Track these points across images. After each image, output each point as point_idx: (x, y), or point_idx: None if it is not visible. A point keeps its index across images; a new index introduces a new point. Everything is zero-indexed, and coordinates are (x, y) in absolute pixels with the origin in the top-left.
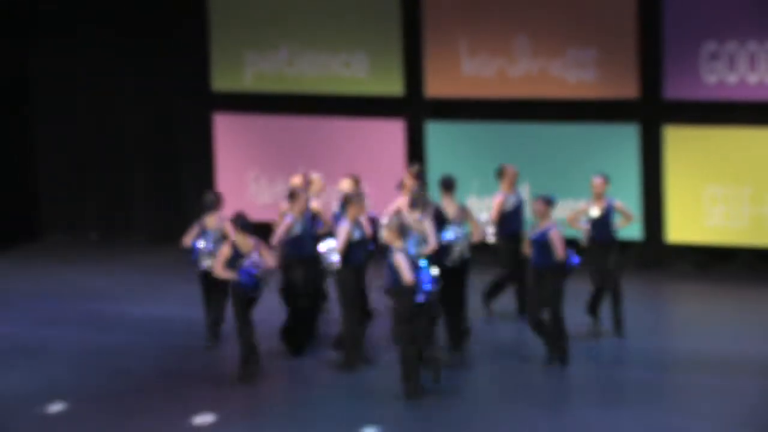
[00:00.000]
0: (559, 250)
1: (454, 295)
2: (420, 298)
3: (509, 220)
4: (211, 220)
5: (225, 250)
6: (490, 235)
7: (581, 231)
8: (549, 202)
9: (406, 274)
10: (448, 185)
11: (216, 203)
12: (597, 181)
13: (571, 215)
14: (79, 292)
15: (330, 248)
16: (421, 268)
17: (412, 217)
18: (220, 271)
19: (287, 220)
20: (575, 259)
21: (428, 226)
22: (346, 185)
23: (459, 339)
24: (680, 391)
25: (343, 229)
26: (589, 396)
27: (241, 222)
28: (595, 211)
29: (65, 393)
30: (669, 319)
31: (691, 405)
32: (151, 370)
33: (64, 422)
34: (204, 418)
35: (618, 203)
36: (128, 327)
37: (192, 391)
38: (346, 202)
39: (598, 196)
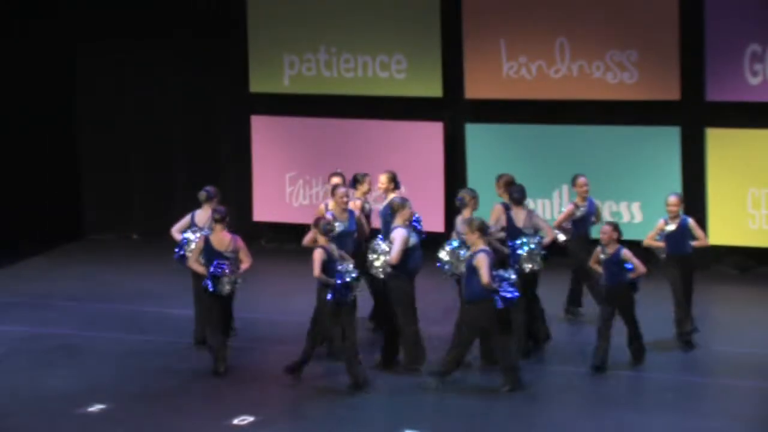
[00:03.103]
0: (638, 266)
1: None
2: (499, 303)
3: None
4: (202, 216)
5: (319, 253)
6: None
7: (658, 249)
8: (616, 228)
9: (485, 276)
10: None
11: (210, 198)
12: (673, 199)
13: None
14: (121, 292)
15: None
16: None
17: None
18: (319, 274)
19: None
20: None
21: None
22: (383, 181)
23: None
24: (721, 394)
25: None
26: (627, 399)
27: (328, 227)
28: (671, 226)
29: (107, 393)
30: (710, 321)
31: (731, 408)
32: (192, 370)
33: (105, 422)
34: (244, 419)
35: (691, 222)
36: (169, 327)
37: (233, 391)
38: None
39: (674, 214)
